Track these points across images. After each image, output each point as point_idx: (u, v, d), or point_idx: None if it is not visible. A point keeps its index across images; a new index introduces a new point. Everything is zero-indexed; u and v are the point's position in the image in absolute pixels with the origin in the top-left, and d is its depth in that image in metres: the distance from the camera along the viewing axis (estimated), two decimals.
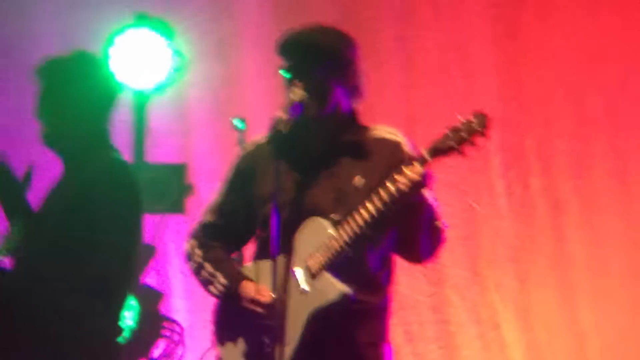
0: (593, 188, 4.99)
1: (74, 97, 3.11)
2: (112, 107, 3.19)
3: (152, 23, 4.86)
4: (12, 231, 3.13)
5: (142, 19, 4.86)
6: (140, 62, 4.84)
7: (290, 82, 2.98)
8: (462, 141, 2.75)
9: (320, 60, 2.94)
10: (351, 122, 3.04)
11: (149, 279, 4.87)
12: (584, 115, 5.03)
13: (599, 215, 4.98)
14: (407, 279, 4.75)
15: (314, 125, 3.00)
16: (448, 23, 5.08)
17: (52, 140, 3.15)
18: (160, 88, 4.93)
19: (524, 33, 5.05)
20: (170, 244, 5.00)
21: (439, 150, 2.77)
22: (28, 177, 3.18)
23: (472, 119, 2.76)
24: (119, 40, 4.79)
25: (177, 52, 4.86)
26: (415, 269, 4.79)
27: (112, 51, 4.77)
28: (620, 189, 4.98)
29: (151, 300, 4.76)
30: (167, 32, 4.86)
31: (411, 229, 2.91)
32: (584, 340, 4.96)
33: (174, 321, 4.81)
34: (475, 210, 4.98)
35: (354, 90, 3.02)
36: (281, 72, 2.98)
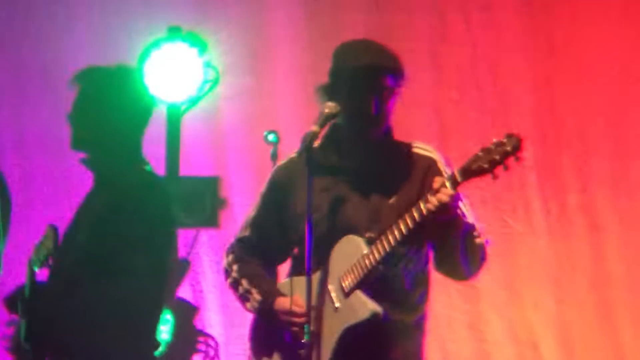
0: (632, 206, 4.91)
1: (110, 106, 3.10)
2: (146, 122, 3.19)
3: (186, 36, 4.87)
4: (43, 241, 3.13)
5: (175, 32, 4.88)
6: (174, 75, 4.85)
7: (323, 95, 2.95)
8: (494, 163, 2.74)
9: (385, 79, 2.93)
10: (388, 138, 3.03)
11: (184, 293, 4.87)
12: (621, 131, 4.95)
13: (638, 234, 4.90)
14: (442, 296, 4.69)
15: (352, 141, 2.97)
16: (481, 39, 5.04)
17: (82, 144, 3.12)
18: (193, 101, 4.94)
19: (560, 48, 4.99)
20: (205, 257, 4.99)
21: (470, 172, 2.77)
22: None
23: (504, 140, 2.75)
24: (153, 53, 4.80)
25: (209, 65, 4.87)
26: (451, 286, 4.74)
27: (146, 65, 4.79)
28: None
29: (186, 314, 4.76)
30: (200, 45, 4.87)
31: (450, 247, 2.90)
32: None
33: (209, 336, 4.81)
34: (511, 227, 4.92)
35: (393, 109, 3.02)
36: (337, 89, 2.94)
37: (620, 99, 4.96)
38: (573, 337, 4.89)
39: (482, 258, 2.95)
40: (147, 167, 3.16)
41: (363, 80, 2.92)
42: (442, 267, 2.98)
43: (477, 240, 2.92)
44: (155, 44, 4.83)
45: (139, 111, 3.16)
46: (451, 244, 2.88)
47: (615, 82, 4.96)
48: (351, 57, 2.95)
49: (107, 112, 3.10)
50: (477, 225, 2.94)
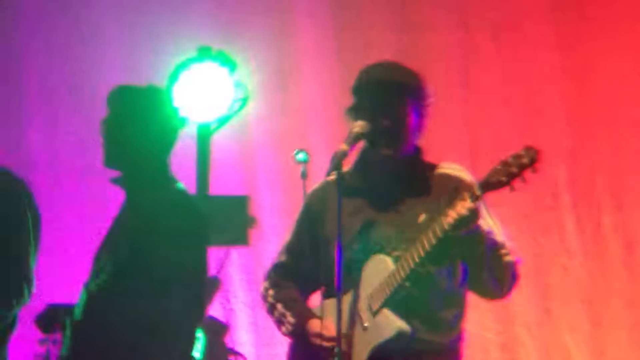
0: None
1: (141, 125, 3.15)
2: (174, 141, 3.23)
3: (215, 56, 4.89)
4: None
5: (205, 52, 4.90)
6: (204, 95, 4.87)
7: (353, 115, 2.96)
8: (512, 176, 2.75)
9: (405, 99, 2.94)
10: (417, 159, 3.03)
11: (214, 311, 4.87)
12: None
13: None
14: (475, 316, 4.62)
15: (381, 161, 2.97)
16: (511, 56, 5.01)
17: (114, 162, 3.16)
18: (223, 120, 4.95)
19: (591, 64, 4.95)
20: (235, 276, 5.00)
21: (489, 185, 2.78)
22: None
23: (522, 153, 2.77)
24: (183, 73, 4.82)
25: (239, 84, 4.88)
26: (484, 306, 4.68)
27: (176, 85, 4.81)
28: None
29: (217, 332, 4.78)
30: (229, 64, 4.89)
31: (477, 264, 2.88)
32: None
33: (239, 354, 4.80)
34: (544, 247, 4.87)
35: (422, 129, 3.01)
36: (357, 108, 2.95)
37: None
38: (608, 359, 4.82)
39: (513, 276, 2.93)
40: (178, 185, 3.18)
41: (377, 97, 2.94)
42: (472, 285, 2.96)
43: (507, 258, 2.90)
44: (185, 64, 4.86)
45: (168, 130, 3.20)
46: (479, 260, 2.87)
47: None
48: (367, 75, 2.99)
49: (138, 131, 3.14)
50: (508, 244, 2.92)
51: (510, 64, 5.01)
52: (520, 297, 4.68)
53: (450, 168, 3.02)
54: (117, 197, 3.21)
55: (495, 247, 2.87)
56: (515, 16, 5.00)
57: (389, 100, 2.94)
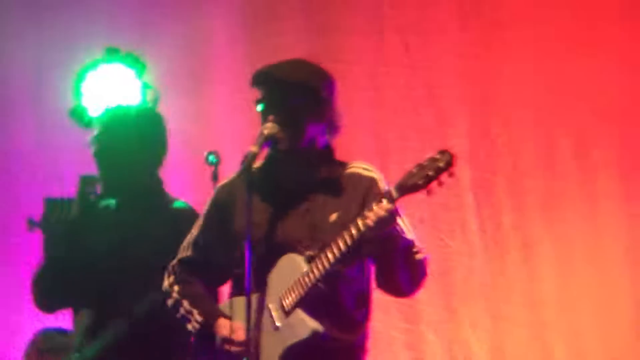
0: (563, 227, 5.01)
1: (138, 146, 3.43)
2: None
3: (123, 57, 4.84)
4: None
5: (113, 53, 4.84)
6: (111, 96, 4.81)
7: (264, 116, 2.97)
8: (428, 179, 2.77)
9: (296, 95, 2.96)
10: (327, 157, 3.04)
11: None
12: (552, 154, 5.07)
13: (570, 253, 5.00)
14: (382, 315, 4.72)
15: (288, 159, 3.01)
16: (418, 60, 5.11)
17: (111, 185, 3.43)
18: None
19: (494, 72, 5.10)
20: None
21: (405, 188, 2.80)
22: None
23: (437, 156, 2.79)
24: (90, 74, 4.76)
25: (148, 86, 4.85)
26: (391, 305, 4.77)
27: (83, 85, 4.75)
28: (590, 227, 5.01)
29: None
30: (137, 66, 4.84)
31: (389, 263, 2.92)
32: None
33: None
34: (449, 247, 4.98)
35: (330, 127, 3.02)
36: (256, 104, 2.98)
37: (552, 122, 5.07)
38: (507, 356, 4.94)
39: (423, 274, 2.98)
40: (177, 204, 3.48)
41: (266, 96, 2.95)
42: (382, 283, 2.98)
43: (417, 256, 2.94)
44: (93, 65, 4.80)
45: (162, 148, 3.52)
46: (391, 259, 2.89)
47: (548, 106, 5.08)
48: (266, 68, 3.01)
49: (135, 153, 3.42)
50: (417, 242, 2.96)
51: (417, 68, 5.12)
52: (425, 295, 4.78)
53: (361, 167, 3.04)
54: None
55: (408, 246, 2.91)
56: (423, 22, 5.11)
57: (271, 98, 2.95)
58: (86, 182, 3.57)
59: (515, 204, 5.04)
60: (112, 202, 3.61)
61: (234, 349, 2.88)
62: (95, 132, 3.59)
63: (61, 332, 3.66)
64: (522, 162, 5.07)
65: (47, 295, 3.53)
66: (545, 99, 5.07)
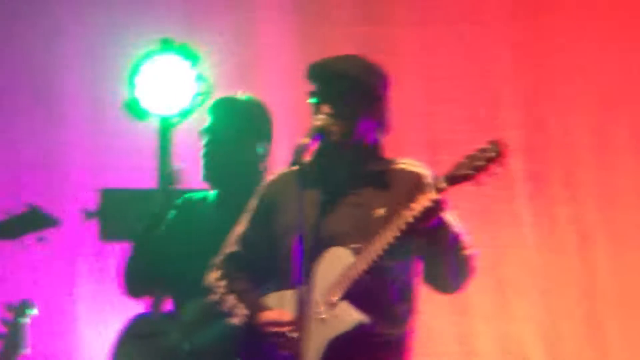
0: (620, 218, 4.95)
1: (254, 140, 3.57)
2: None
3: (178, 48, 4.88)
4: None
5: (167, 44, 4.88)
6: (166, 88, 4.85)
7: (316, 108, 2.98)
8: (478, 169, 2.74)
9: (350, 90, 2.96)
10: (375, 154, 3.04)
11: None
12: (608, 145, 5.00)
13: (627, 246, 4.94)
14: (432, 308, 4.70)
15: (338, 153, 3.00)
16: (470, 51, 5.07)
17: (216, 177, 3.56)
18: (184, 113, 4.94)
19: (548, 61, 5.03)
20: None
21: (454, 178, 2.78)
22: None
23: (488, 147, 2.76)
24: (144, 66, 4.81)
25: (201, 78, 4.88)
26: (442, 298, 4.74)
27: (138, 77, 4.79)
28: None
29: None
30: (192, 57, 4.87)
31: (437, 258, 2.90)
32: None
33: None
34: (501, 240, 4.94)
35: (381, 124, 3.01)
36: (309, 96, 2.99)
37: (605, 111, 5.01)
38: (563, 350, 4.90)
39: (471, 270, 2.96)
40: None
41: (321, 89, 2.96)
42: (429, 279, 2.97)
43: (465, 252, 2.92)
44: (147, 56, 4.83)
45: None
46: (439, 255, 2.88)
47: (604, 96, 5.00)
48: (321, 63, 3.01)
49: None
50: (465, 237, 2.94)
51: (470, 59, 5.08)
52: (477, 289, 4.75)
53: (408, 164, 3.03)
54: None
55: (456, 241, 2.89)
56: (473, 11, 5.07)
57: (322, 91, 2.95)
58: (168, 175, 3.63)
59: (571, 196, 4.98)
60: (212, 194, 3.65)
61: (280, 329, 2.89)
62: (207, 123, 3.66)
63: (159, 316, 3.69)
64: (577, 154, 5.01)
65: (140, 282, 3.62)
66: (601, 89, 4.99)
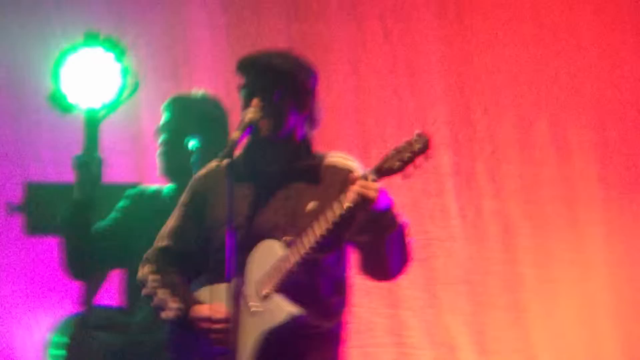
0: (542, 212, 5.06)
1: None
2: None
3: (103, 42, 4.81)
4: None
5: (92, 37, 4.81)
6: (91, 81, 4.78)
7: (246, 102, 2.98)
8: (405, 161, 2.79)
9: (279, 84, 2.96)
10: (305, 149, 3.05)
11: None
12: (530, 140, 5.11)
13: (548, 237, 5.06)
14: (364, 300, 4.75)
15: (268, 148, 3.01)
16: (398, 47, 5.13)
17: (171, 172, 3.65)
18: (111, 107, 4.88)
19: (473, 58, 5.13)
20: None
21: (382, 171, 2.81)
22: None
23: (414, 139, 2.80)
24: (69, 58, 4.73)
25: (126, 70, 4.82)
26: (372, 290, 4.80)
27: (62, 69, 4.71)
28: (568, 212, 5.06)
29: None
30: (117, 50, 4.81)
31: (378, 245, 2.90)
32: None
33: None
34: (429, 232, 5.01)
35: (310, 119, 3.03)
36: (240, 90, 2.99)
37: (528, 108, 5.12)
38: (487, 339, 4.99)
39: (409, 257, 2.98)
40: None
41: (251, 82, 2.97)
42: (368, 267, 2.97)
43: (407, 238, 2.95)
44: (72, 49, 4.76)
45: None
46: (381, 241, 2.88)
47: (525, 91, 5.11)
48: (251, 56, 3.02)
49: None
50: (406, 224, 2.96)
51: (398, 54, 5.13)
52: (407, 281, 4.82)
53: (338, 157, 3.05)
54: None
55: (399, 227, 2.90)
56: (401, 8, 5.12)
57: (249, 85, 2.96)
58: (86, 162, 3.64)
59: (495, 189, 5.08)
60: (167, 188, 3.71)
61: (214, 326, 2.88)
62: (162, 120, 3.75)
63: (112, 308, 3.65)
64: (501, 147, 5.10)
65: (85, 263, 3.66)
66: (523, 84, 5.11)
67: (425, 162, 2.80)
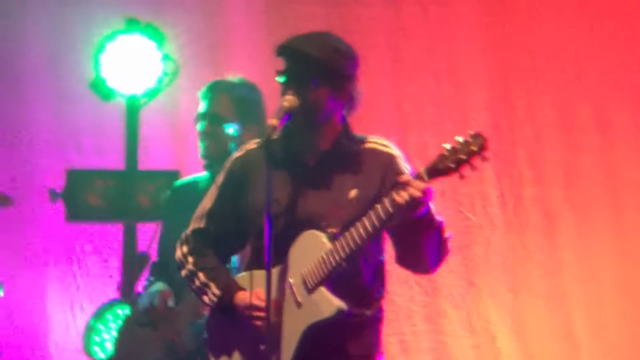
0: (584, 197, 5.01)
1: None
2: None
3: (143, 28, 4.83)
4: None
5: (132, 24, 4.83)
6: (132, 68, 4.81)
7: (285, 88, 2.96)
8: (460, 162, 2.74)
9: (317, 71, 2.93)
10: (344, 133, 3.02)
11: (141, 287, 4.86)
12: (573, 125, 5.05)
13: (590, 224, 5.00)
14: (401, 289, 4.74)
15: (306, 134, 2.99)
16: (438, 32, 5.09)
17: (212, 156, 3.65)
18: (151, 93, 4.91)
19: (514, 42, 5.07)
20: None
21: (436, 171, 2.77)
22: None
23: (470, 139, 2.75)
24: (109, 45, 4.76)
25: (167, 57, 4.84)
26: (410, 278, 4.79)
27: (103, 57, 4.75)
28: (610, 198, 5.01)
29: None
30: (157, 37, 4.84)
31: (418, 242, 2.88)
32: (577, 349, 4.97)
33: None
34: (469, 220, 4.98)
35: (350, 103, 3.00)
36: (278, 75, 2.97)
37: (572, 93, 5.05)
38: (528, 327, 4.96)
39: (446, 252, 2.96)
40: None
41: (289, 68, 2.93)
42: (406, 260, 2.96)
43: (444, 236, 2.92)
44: (112, 36, 4.79)
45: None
46: (421, 239, 2.86)
47: (568, 77, 5.05)
48: (288, 41, 2.96)
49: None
50: (440, 219, 2.93)
51: (438, 40, 5.09)
52: (445, 269, 4.80)
53: (379, 143, 3.01)
54: None
55: (437, 226, 2.88)
56: None
57: (305, 70, 2.91)
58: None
59: (536, 176, 5.03)
60: (204, 177, 3.74)
61: (256, 313, 2.87)
62: (201, 107, 3.73)
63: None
64: (543, 134, 5.05)
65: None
66: (566, 70, 5.04)
67: (482, 164, 2.74)
